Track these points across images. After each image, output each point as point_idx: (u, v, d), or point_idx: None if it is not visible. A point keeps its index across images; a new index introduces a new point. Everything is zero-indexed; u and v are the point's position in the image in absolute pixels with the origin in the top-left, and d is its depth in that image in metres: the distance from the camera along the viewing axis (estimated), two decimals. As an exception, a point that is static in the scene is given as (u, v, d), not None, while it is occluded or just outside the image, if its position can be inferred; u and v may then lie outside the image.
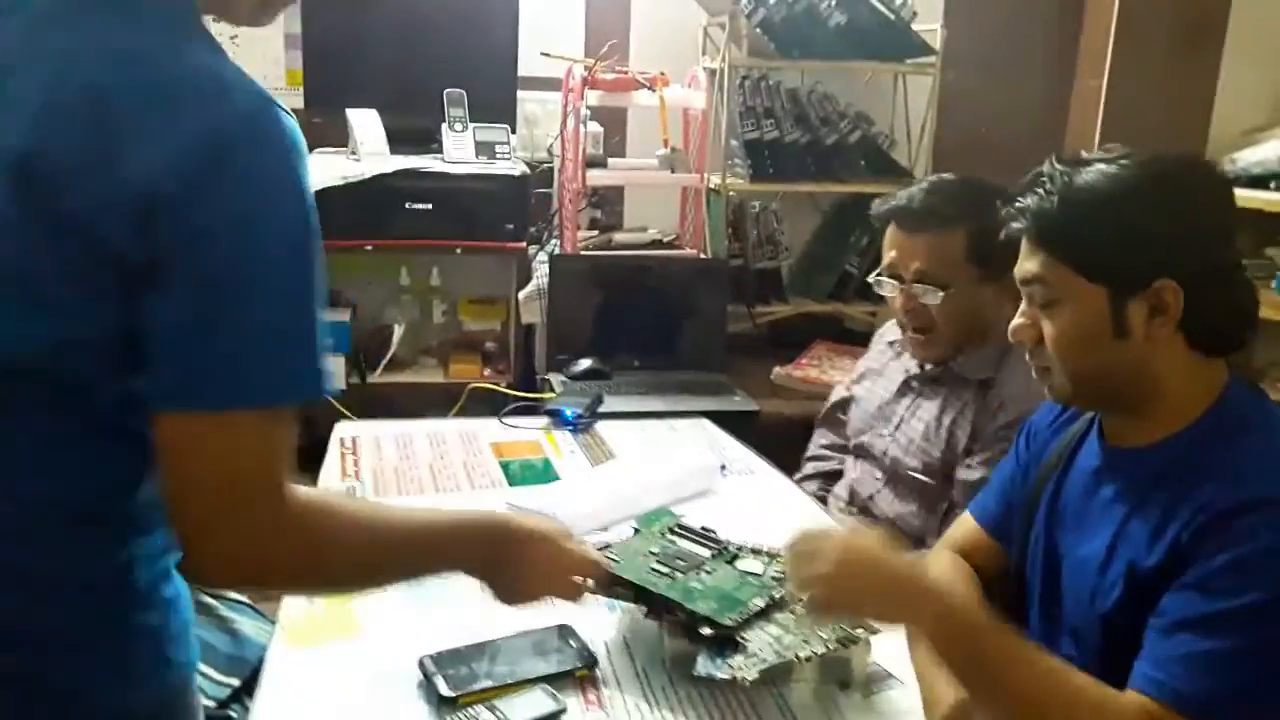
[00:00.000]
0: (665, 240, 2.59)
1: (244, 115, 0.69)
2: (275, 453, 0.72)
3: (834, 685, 1.05)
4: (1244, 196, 2.58)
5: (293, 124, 0.72)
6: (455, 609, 1.18)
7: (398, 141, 2.46)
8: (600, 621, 1.16)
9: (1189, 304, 0.93)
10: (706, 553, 1.16)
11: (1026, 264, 0.99)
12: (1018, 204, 0.99)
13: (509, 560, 0.97)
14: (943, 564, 1.19)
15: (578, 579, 1.04)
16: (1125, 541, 0.96)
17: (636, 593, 1.08)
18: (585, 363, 2.21)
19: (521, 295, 2.44)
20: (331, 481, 1.54)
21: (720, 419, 1.94)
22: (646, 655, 1.10)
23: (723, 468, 1.64)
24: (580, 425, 1.85)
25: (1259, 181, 2.58)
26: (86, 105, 0.67)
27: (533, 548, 0.99)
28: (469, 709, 0.96)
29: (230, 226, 0.68)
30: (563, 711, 0.98)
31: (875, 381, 1.73)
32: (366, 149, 2.41)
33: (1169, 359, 0.95)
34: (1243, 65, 2.69)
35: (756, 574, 1.12)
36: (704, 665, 0.98)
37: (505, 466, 1.65)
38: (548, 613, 1.16)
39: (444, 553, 0.93)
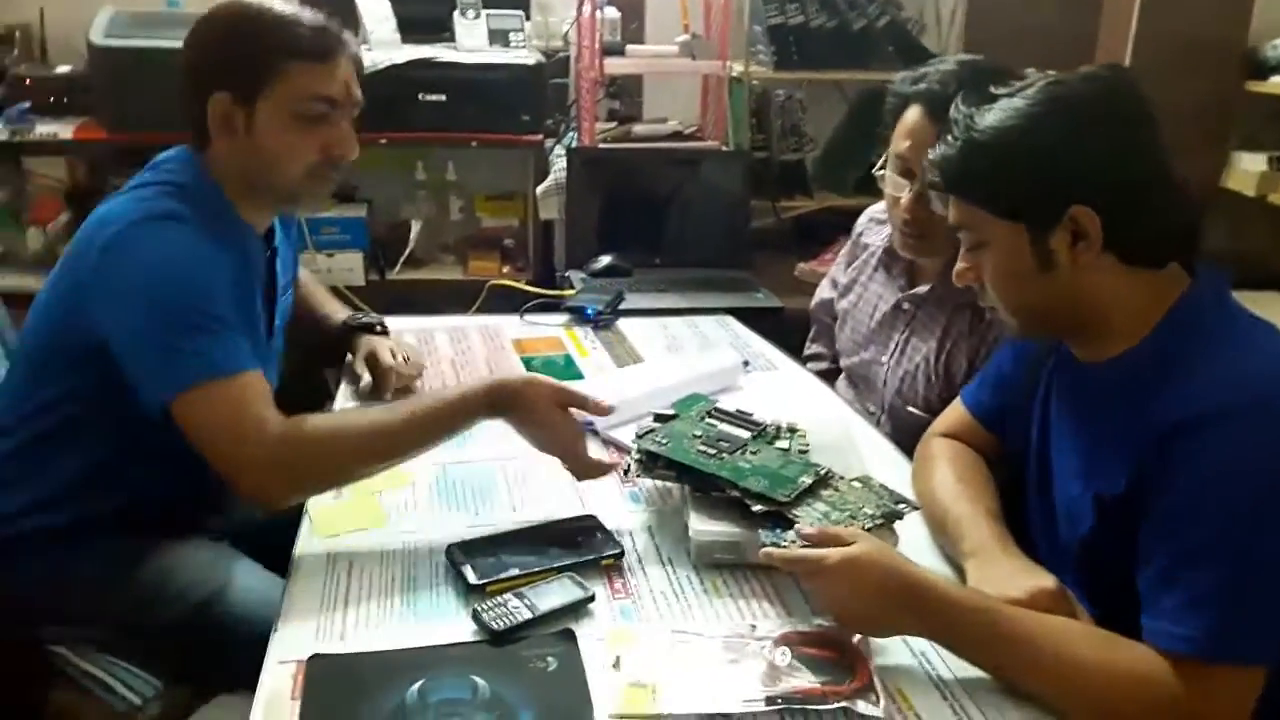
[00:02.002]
0: (686, 132, 2.51)
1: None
2: (237, 406, 1.06)
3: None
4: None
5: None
6: (483, 500, 1.19)
7: (408, 29, 2.38)
8: (626, 512, 1.17)
9: (1110, 225, 0.90)
10: (746, 434, 1.16)
11: (950, 211, 0.99)
12: (928, 157, 0.99)
13: (518, 406, 1.12)
14: (947, 453, 1.17)
15: (619, 463, 1.18)
16: (1093, 465, 0.96)
17: (682, 472, 1.10)
18: (605, 259, 2.17)
19: (539, 190, 2.38)
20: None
21: (743, 316, 1.91)
22: (672, 545, 1.10)
23: (746, 364, 1.62)
24: (601, 322, 1.83)
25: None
26: None
27: (530, 405, 1.13)
28: (497, 597, 0.97)
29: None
30: (590, 599, 0.98)
31: (863, 297, 1.60)
32: (377, 38, 2.34)
33: (1106, 280, 0.93)
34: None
35: (802, 451, 1.13)
36: (766, 537, 0.99)
37: (527, 362, 1.64)
38: (574, 503, 1.17)
39: (449, 406, 1.11)
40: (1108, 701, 0.84)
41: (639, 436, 1.15)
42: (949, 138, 0.97)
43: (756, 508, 1.03)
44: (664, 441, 1.13)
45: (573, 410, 1.15)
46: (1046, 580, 0.94)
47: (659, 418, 1.20)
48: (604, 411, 1.20)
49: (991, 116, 0.93)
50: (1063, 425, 1.04)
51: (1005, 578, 0.95)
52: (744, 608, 1.00)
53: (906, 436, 1.43)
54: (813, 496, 1.05)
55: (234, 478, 1.06)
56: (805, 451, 1.14)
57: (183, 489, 1.20)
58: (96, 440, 1.18)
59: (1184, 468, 0.85)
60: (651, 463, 1.12)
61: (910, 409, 1.48)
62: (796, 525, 0.99)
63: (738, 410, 1.21)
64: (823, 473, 1.08)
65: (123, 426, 1.15)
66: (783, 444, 1.15)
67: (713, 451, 1.11)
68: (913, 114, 1.38)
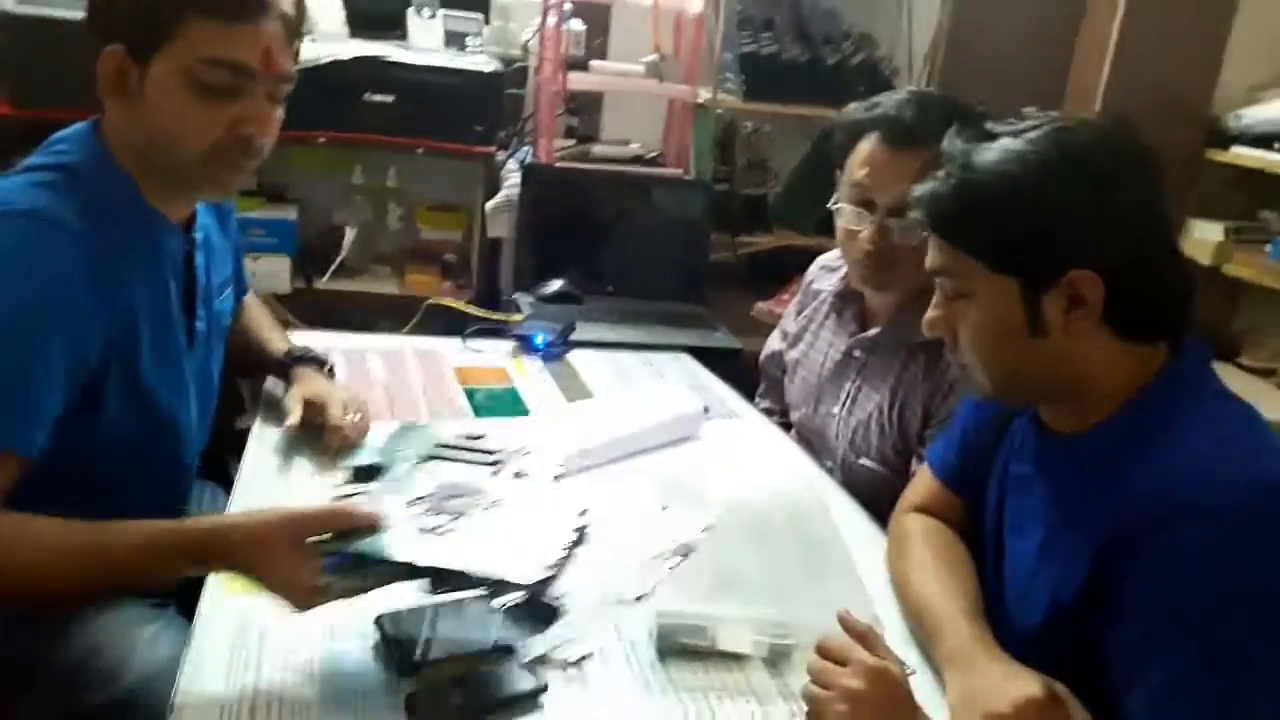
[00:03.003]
0: (648, 156, 2.40)
1: None
2: None
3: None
4: (1244, 155, 2.51)
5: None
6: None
7: (358, 24, 2.24)
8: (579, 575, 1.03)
9: (1112, 294, 0.83)
10: (487, 470, 0.93)
11: (932, 254, 0.89)
12: (916, 191, 0.89)
13: (243, 562, 0.86)
14: (921, 534, 1.07)
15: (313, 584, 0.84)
16: (1048, 564, 0.89)
17: (406, 573, 0.84)
18: (556, 284, 2.04)
19: (489, 206, 2.25)
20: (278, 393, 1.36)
21: (701, 355, 1.82)
22: (631, 627, 0.97)
23: (706, 409, 1.51)
24: (551, 353, 1.70)
25: (1262, 141, 2.49)
26: None
27: (253, 552, 0.85)
28: (433, 681, 0.82)
29: None
30: (541, 690, 0.85)
31: (814, 346, 1.52)
32: (323, 29, 2.19)
33: (1095, 350, 0.86)
34: (1255, 19, 2.57)
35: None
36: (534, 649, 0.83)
37: (470, 394, 1.49)
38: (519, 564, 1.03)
39: (176, 556, 0.87)
40: None
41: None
42: (940, 174, 0.87)
43: (511, 598, 0.83)
44: (364, 541, 0.83)
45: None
46: (1034, 688, 0.83)
47: (359, 473, 0.93)
48: (369, 521, 0.86)
49: (991, 157, 0.84)
50: (1022, 499, 0.96)
51: (988, 688, 0.85)
52: (715, 705, 0.88)
53: (862, 490, 1.37)
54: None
55: None
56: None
57: None
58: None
59: (1168, 566, 0.77)
60: (347, 568, 0.83)
61: (863, 461, 1.39)
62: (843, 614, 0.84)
63: (468, 436, 0.97)
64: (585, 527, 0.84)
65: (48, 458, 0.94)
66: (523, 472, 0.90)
67: (436, 524, 0.84)
68: (868, 143, 1.31)
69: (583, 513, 0.85)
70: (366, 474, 0.92)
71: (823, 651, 0.82)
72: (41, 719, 0.97)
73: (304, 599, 0.84)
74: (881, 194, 1.29)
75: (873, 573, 1.10)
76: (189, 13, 0.96)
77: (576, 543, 0.85)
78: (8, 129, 2.11)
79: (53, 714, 0.96)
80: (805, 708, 0.81)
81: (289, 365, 1.33)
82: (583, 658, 0.90)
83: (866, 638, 0.82)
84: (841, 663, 0.80)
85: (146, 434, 1.05)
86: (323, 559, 0.82)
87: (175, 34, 0.96)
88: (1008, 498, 0.98)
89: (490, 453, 0.91)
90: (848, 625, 0.83)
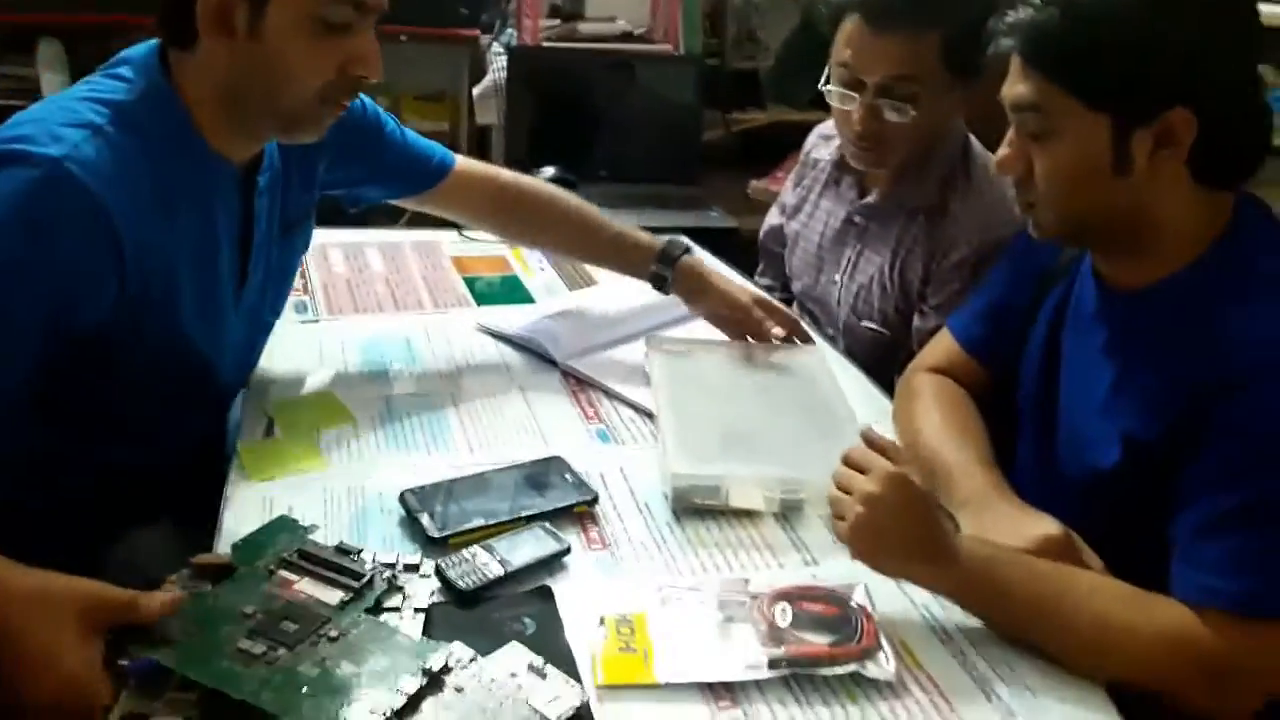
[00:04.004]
0: (636, 33, 2.34)
1: None
2: None
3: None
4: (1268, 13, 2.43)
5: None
6: (434, 439, 1.06)
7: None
8: (594, 452, 1.06)
9: (1202, 133, 0.81)
10: (334, 598, 0.77)
11: (1019, 87, 0.86)
12: (1009, 18, 0.85)
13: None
14: (933, 390, 1.09)
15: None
16: (1122, 402, 0.89)
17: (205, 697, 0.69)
18: (549, 170, 2.00)
19: (476, 92, 2.20)
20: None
21: (698, 236, 1.80)
22: (648, 488, 1.00)
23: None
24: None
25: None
26: None
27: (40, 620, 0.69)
28: (461, 551, 0.85)
29: None
30: (566, 551, 0.88)
31: (813, 216, 1.51)
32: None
33: (1171, 194, 0.85)
34: None
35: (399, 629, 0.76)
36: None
37: (470, 283, 1.50)
38: (538, 444, 1.06)
39: None
40: (1145, 661, 0.79)
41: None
42: (1037, 2, 0.84)
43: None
44: (183, 639, 0.71)
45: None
46: (1052, 527, 0.87)
47: (198, 572, 0.78)
48: (164, 612, 0.72)
49: None
50: (1081, 355, 0.96)
51: (1007, 526, 0.88)
52: (731, 559, 0.92)
53: (864, 354, 1.40)
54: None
55: None
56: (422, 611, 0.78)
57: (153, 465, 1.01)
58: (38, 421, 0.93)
59: (1245, 420, 0.79)
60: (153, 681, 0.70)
61: (866, 324, 1.41)
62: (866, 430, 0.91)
63: (339, 546, 0.82)
64: (436, 669, 0.71)
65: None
66: (392, 605, 0.78)
67: (260, 650, 0.70)
68: (851, 23, 1.28)
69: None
70: (214, 573, 0.78)
71: (847, 461, 0.86)
72: None
73: (84, 697, 0.67)
74: (868, 75, 1.28)
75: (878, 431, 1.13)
76: None
77: None
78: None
79: None
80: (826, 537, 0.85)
81: (673, 259, 1.26)
82: (594, 499, 0.95)
83: (888, 450, 0.87)
84: (863, 470, 0.83)
85: (180, 378, 1.01)
86: (125, 662, 0.69)
87: None
88: (1064, 355, 0.98)
89: (358, 576, 0.78)
90: (870, 440, 0.87)
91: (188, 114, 0.94)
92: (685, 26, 2.33)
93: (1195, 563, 0.81)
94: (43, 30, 1.99)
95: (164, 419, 1.02)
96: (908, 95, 1.27)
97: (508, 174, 1.35)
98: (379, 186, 1.24)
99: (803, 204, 1.55)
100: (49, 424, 0.95)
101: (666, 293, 1.29)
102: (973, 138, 1.38)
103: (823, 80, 1.35)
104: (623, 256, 1.32)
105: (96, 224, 0.86)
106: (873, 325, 1.41)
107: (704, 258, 1.30)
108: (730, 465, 0.99)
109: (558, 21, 2.34)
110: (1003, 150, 0.90)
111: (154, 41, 0.95)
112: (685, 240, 1.36)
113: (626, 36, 2.33)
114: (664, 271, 1.28)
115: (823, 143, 1.55)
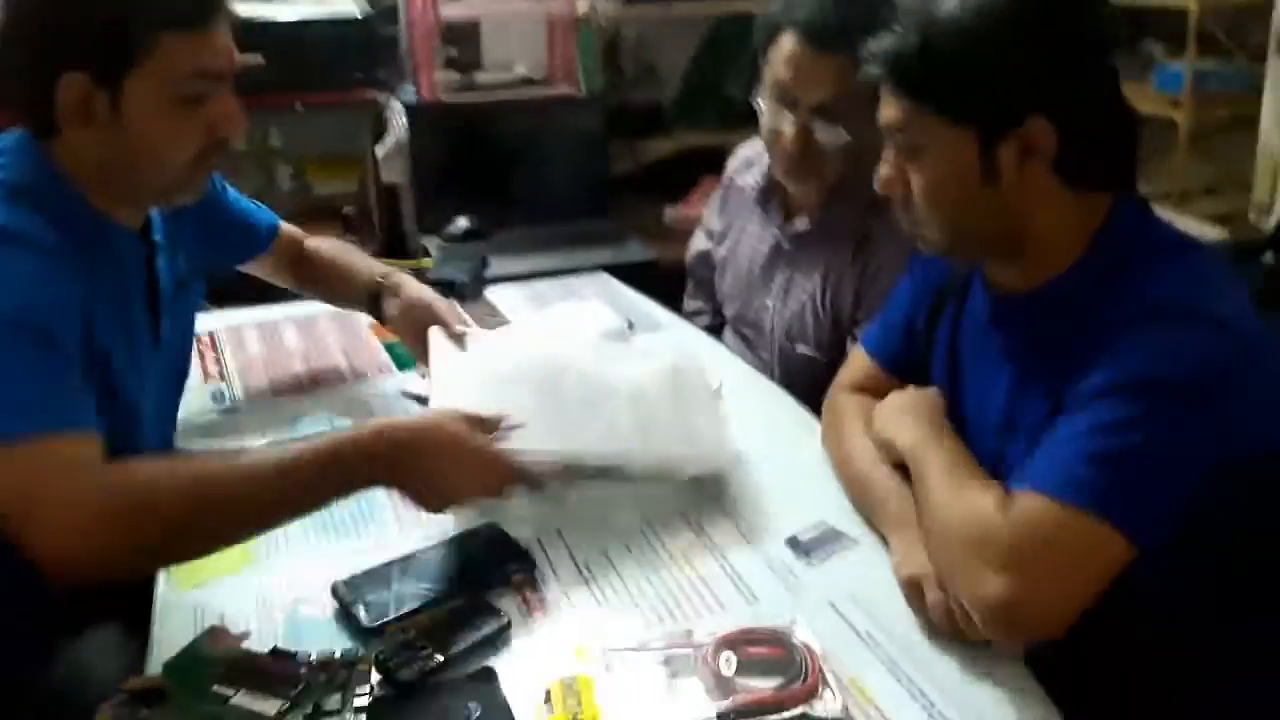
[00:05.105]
0: (535, 79, 2.35)
1: None
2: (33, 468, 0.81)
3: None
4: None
5: None
6: (365, 521, 1.05)
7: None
8: (524, 513, 1.05)
9: (1063, 141, 0.85)
10: (273, 708, 0.76)
11: (889, 110, 0.90)
12: (872, 46, 0.89)
13: (414, 458, 0.91)
14: (856, 411, 1.11)
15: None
16: (1021, 405, 0.92)
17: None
18: (462, 222, 2.01)
19: (380, 152, 2.19)
20: (194, 385, 1.34)
21: (617, 271, 1.82)
22: (585, 545, 1.00)
23: (630, 325, 1.52)
24: (467, 293, 1.68)
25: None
26: None
27: (438, 442, 0.92)
28: (399, 638, 0.84)
29: None
30: (507, 626, 0.87)
31: (740, 241, 1.52)
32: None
33: (1043, 200, 0.88)
34: None
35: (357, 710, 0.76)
36: None
37: (391, 349, 1.48)
38: (468, 512, 1.05)
39: (328, 468, 0.88)
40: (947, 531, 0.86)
41: None
42: (897, 28, 0.87)
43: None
44: None
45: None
46: None
47: (134, 696, 0.77)
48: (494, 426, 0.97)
49: (950, 7, 0.84)
50: (979, 366, 0.99)
51: None
52: (674, 608, 0.92)
53: (799, 378, 1.41)
54: None
55: (42, 546, 0.80)
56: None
57: None
58: None
59: (1102, 361, 0.81)
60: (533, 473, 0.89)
61: (800, 349, 1.43)
62: None
63: (274, 650, 0.83)
64: None
65: None
66: (332, 706, 0.77)
67: None
68: (790, 41, 1.29)
69: None
70: (148, 696, 0.77)
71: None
72: None
73: (501, 479, 0.94)
74: (805, 94, 1.29)
75: (811, 454, 1.15)
76: (159, 30, 0.92)
77: None
78: None
79: None
80: None
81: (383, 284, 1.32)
82: (532, 566, 0.96)
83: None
84: None
85: (114, 434, 0.99)
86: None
87: (147, 54, 0.92)
88: (962, 367, 1.01)
89: (294, 681, 0.79)
90: None
91: (78, 192, 0.97)
92: (583, 66, 2.35)
93: (1044, 458, 0.82)
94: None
95: None
96: (842, 116, 1.27)
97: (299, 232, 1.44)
98: (212, 249, 1.24)
99: (729, 229, 1.56)
100: None
101: (381, 319, 1.35)
102: None
103: (755, 93, 1.35)
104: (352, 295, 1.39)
105: (61, 280, 0.91)
106: (807, 350, 1.42)
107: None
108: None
109: (455, 75, 2.34)
110: (883, 170, 0.94)
111: (18, 131, 0.98)
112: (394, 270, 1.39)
113: (526, 82, 2.34)
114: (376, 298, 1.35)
115: (746, 168, 1.55)
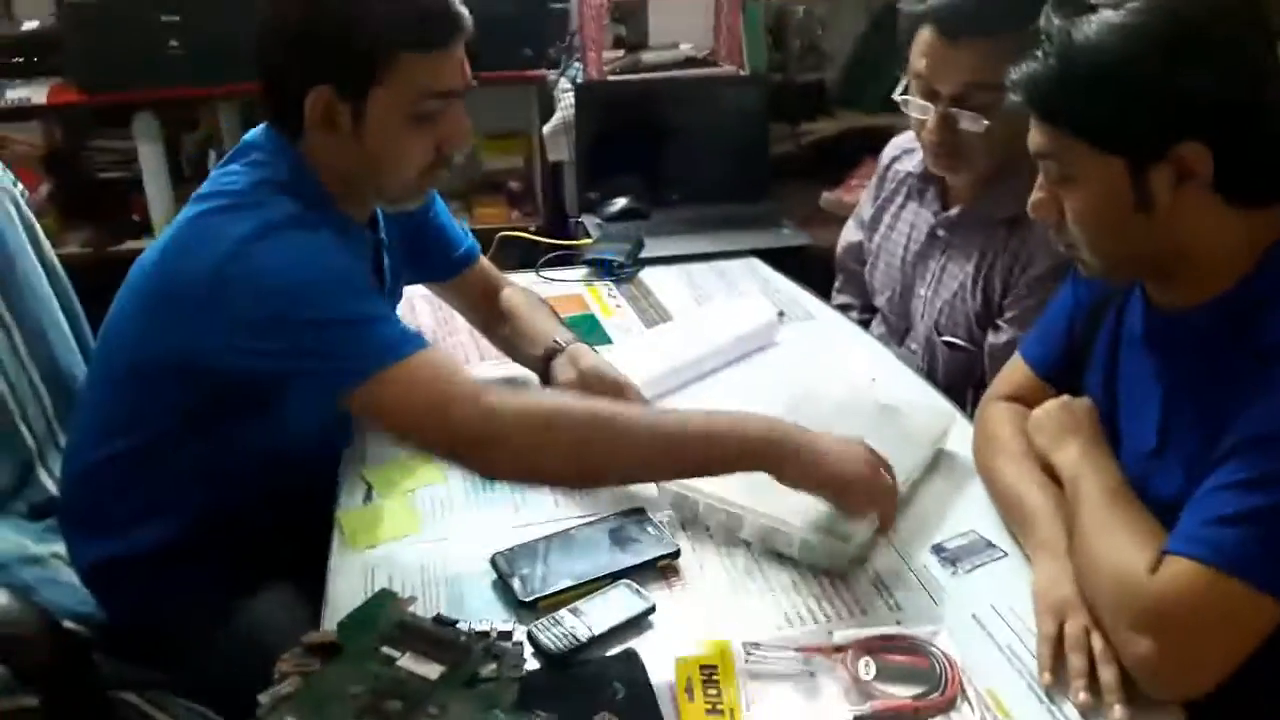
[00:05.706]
0: (699, 57, 2.35)
1: None
2: (432, 377, 0.95)
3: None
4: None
5: None
6: (521, 493, 1.11)
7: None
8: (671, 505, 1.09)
9: (1220, 162, 0.80)
10: (434, 672, 0.80)
11: (1034, 137, 0.87)
12: (1014, 74, 0.86)
13: (799, 445, 0.96)
14: (1011, 425, 1.07)
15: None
16: (1178, 428, 0.88)
17: None
18: (620, 202, 2.05)
19: (546, 130, 2.25)
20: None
21: (769, 256, 1.82)
22: (725, 536, 1.03)
23: (780, 314, 1.52)
24: (623, 274, 1.72)
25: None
26: None
27: (823, 438, 0.98)
28: (551, 613, 0.89)
29: None
30: (652, 609, 0.91)
31: (894, 228, 1.51)
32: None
33: (1204, 222, 0.83)
34: None
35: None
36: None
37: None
38: (618, 495, 1.09)
39: (726, 435, 0.97)
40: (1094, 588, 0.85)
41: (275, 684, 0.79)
42: (1039, 53, 0.84)
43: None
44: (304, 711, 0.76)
45: None
46: None
47: (310, 649, 0.82)
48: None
49: (1090, 31, 0.81)
50: (1135, 380, 0.95)
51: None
52: (814, 608, 0.93)
53: (950, 370, 1.40)
54: None
55: (457, 447, 0.96)
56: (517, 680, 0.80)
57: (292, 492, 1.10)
58: (205, 447, 1.07)
59: (1258, 398, 0.78)
60: None
61: (948, 338, 1.41)
62: None
63: (438, 617, 0.87)
64: None
65: (234, 433, 1.06)
66: (488, 674, 0.81)
67: None
68: (925, 34, 1.29)
69: None
70: (323, 651, 0.83)
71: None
72: (214, 685, 1.06)
73: (887, 505, 0.99)
74: (942, 85, 1.28)
75: (952, 448, 1.14)
76: (400, 50, 0.98)
77: None
78: (79, 115, 2.22)
79: (224, 682, 0.97)
80: None
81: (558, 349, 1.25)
82: (676, 553, 0.98)
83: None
84: None
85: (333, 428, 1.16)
86: None
87: (388, 73, 0.99)
88: (1119, 381, 0.98)
89: (455, 648, 0.82)
90: None
91: (321, 185, 1.06)
92: (749, 45, 2.33)
93: (1194, 520, 0.79)
94: (137, 105, 2.13)
95: (289, 467, 1.09)
96: (981, 104, 1.26)
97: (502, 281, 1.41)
98: (409, 259, 1.28)
99: (881, 215, 1.55)
100: (211, 445, 1.07)
101: (548, 383, 1.26)
102: None
103: (899, 90, 1.36)
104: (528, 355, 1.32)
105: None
106: (956, 339, 1.40)
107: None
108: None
109: (622, 53, 2.37)
110: (1035, 195, 0.91)
111: (263, 130, 1.07)
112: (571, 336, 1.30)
113: (691, 61, 2.34)
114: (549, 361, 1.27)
115: (904, 155, 1.54)
